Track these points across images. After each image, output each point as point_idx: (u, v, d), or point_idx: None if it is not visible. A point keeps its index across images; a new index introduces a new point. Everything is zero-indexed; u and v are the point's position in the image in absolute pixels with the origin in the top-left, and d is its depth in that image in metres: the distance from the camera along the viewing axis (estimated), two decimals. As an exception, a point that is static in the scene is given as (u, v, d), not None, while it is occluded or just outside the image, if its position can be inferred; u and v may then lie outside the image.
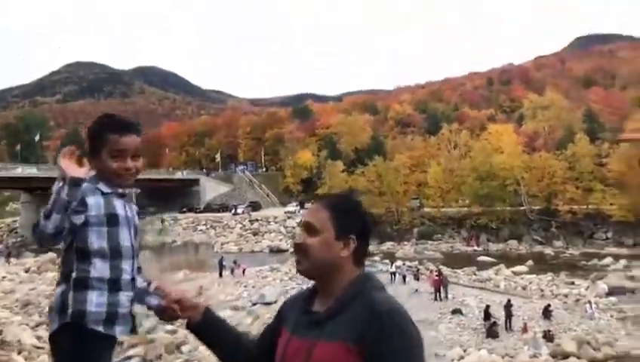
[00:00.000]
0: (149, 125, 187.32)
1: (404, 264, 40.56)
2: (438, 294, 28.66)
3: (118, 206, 2.18)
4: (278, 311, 1.90)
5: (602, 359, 19.00)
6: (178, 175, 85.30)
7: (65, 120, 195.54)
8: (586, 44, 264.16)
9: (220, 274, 36.53)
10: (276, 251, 52.07)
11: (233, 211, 67.39)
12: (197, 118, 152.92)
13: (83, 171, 2.06)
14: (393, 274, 33.67)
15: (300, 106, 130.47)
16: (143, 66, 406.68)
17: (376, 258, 44.52)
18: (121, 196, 2.24)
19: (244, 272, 37.14)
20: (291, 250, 52.46)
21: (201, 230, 62.68)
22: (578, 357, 18.61)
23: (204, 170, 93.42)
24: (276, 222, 61.78)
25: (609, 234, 48.48)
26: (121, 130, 2.14)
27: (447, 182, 57.32)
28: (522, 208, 53.03)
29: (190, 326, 2.00)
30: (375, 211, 56.09)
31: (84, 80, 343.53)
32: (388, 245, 52.68)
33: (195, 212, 73.15)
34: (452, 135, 74.07)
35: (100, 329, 2.05)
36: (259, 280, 35.32)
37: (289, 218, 62.39)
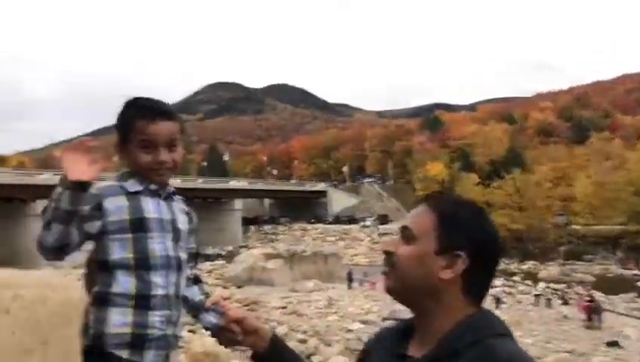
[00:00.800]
0: (282, 139, 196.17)
1: (547, 286, 37.59)
2: (589, 322, 25.97)
3: (150, 207, 1.81)
4: (363, 348, 1.47)
5: None
6: (307, 187, 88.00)
7: (205, 136, 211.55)
8: None
9: (349, 286, 36.61)
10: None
11: (362, 223, 67.59)
12: (324, 131, 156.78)
13: (90, 172, 1.63)
14: (537, 296, 31.36)
15: (429, 117, 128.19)
16: (274, 84, 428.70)
17: (517, 278, 41.85)
18: (157, 194, 1.86)
19: (374, 285, 36.83)
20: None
21: (330, 241, 63.63)
22: None
23: (332, 183, 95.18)
24: (405, 236, 60.89)
25: None
26: (152, 115, 1.77)
27: (598, 196, 52.22)
28: (691, 227, 46.71)
29: (255, 357, 1.65)
30: (515, 227, 52.91)
31: (222, 99, 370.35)
32: (529, 264, 49.33)
33: (324, 223, 74.60)
34: (603, 144, 67.72)
35: (124, 354, 1.70)
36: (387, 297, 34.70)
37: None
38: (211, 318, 1.78)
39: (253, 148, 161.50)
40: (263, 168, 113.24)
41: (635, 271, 44.46)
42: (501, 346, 1.12)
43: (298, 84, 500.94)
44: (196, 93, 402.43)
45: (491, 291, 29.51)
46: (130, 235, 1.74)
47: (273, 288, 36.50)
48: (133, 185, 1.79)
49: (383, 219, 71.31)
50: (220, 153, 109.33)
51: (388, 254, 1.25)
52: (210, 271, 42.40)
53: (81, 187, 1.60)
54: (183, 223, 1.87)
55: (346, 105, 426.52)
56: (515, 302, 32.55)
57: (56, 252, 1.68)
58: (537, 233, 52.57)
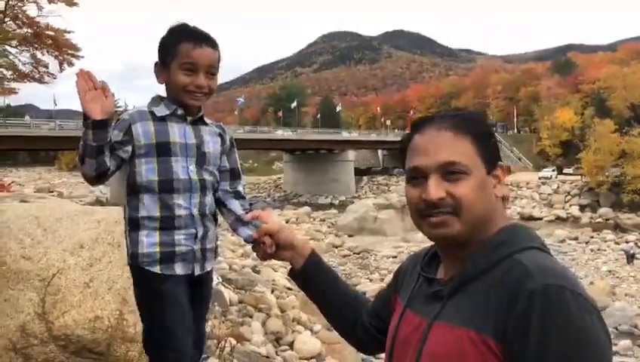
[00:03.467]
0: (397, 88, 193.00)
1: (634, 242, 34.01)
2: None
3: (176, 131, 1.92)
4: (394, 274, 1.47)
5: None
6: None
7: (320, 88, 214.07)
8: None
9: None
10: (528, 219, 48.92)
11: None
12: (443, 79, 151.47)
13: (106, 109, 1.74)
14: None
15: (560, 59, 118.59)
16: (391, 31, 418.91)
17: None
18: (184, 119, 1.96)
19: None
20: (546, 217, 48.75)
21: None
22: None
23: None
24: (529, 188, 57.88)
25: None
26: (196, 40, 1.88)
27: None
28: None
29: (292, 273, 1.64)
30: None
31: (337, 49, 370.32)
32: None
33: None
34: None
35: (156, 269, 1.89)
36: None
37: (543, 184, 57.78)
38: (248, 231, 1.88)
39: (367, 99, 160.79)
40: (376, 119, 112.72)
41: None
42: (529, 259, 1.07)
43: (416, 30, 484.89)
44: (310, 45, 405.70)
45: (623, 246, 27.87)
46: (154, 158, 1.89)
47: (385, 238, 37.04)
48: (161, 110, 1.92)
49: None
50: (333, 105, 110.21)
51: (441, 201, 1.15)
52: (323, 220, 43.83)
53: (101, 124, 1.75)
54: (211, 146, 2.01)
55: (468, 51, 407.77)
56: (651, 258, 30.16)
57: (97, 179, 1.88)
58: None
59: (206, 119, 2.05)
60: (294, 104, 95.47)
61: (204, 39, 1.90)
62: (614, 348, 17.45)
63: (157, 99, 1.95)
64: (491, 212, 1.16)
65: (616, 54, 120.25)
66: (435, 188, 1.14)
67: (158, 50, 1.93)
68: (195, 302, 2.01)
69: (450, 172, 1.14)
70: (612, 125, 56.37)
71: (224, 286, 10.83)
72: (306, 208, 48.90)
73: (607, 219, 46.73)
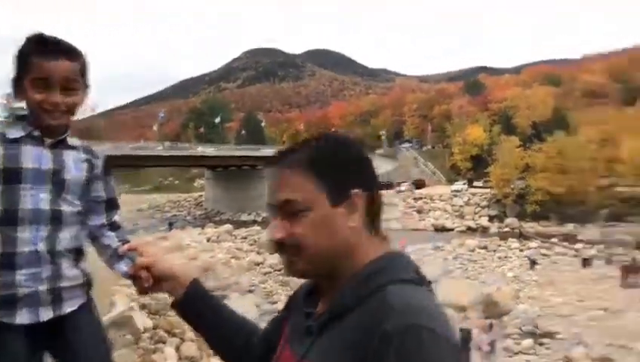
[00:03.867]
0: (320, 106, 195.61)
1: (583, 247, 36.81)
2: (626, 281, 25.47)
3: (30, 155, 1.66)
4: (288, 299, 1.36)
5: None
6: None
7: (244, 104, 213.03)
8: None
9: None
10: (441, 230, 50.90)
11: (397, 189, 67.29)
12: (363, 97, 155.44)
13: None
14: (586, 260, 30.92)
15: (471, 80, 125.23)
16: (314, 50, 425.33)
17: (555, 240, 41.13)
18: (41, 142, 1.70)
19: (403, 248, 36.92)
20: (458, 228, 50.91)
21: (366, 207, 63.64)
22: None
23: (369, 149, 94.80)
24: (442, 200, 60.23)
25: None
26: (49, 51, 1.63)
27: (647, 158, 50.16)
28: None
29: (172, 304, 1.50)
30: (555, 190, 51.65)
31: (261, 65, 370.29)
32: (570, 227, 48.31)
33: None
34: (654, 105, 64.82)
35: None
36: (420, 259, 34.78)
37: (455, 196, 60.38)
38: (123, 266, 1.68)
39: (291, 115, 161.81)
40: (300, 135, 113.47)
41: (680, 233, 42.92)
42: (394, 294, 0.99)
43: (338, 50, 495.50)
44: (235, 60, 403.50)
45: (527, 253, 29.25)
46: (0, 186, 1.64)
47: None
48: (14, 132, 1.67)
49: (419, 184, 70.83)
50: (258, 120, 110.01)
51: (281, 243, 1.10)
52: (245, 238, 43.30)
53: None
54: (73, 173, 1.74)
55: (386, 71, 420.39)
56: (551, 263, 32.18)
57: None
58: (578, 195, 51.07)
59: (72, 141, 1.78)
60: (218, 119, 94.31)
61: (58, 50, 1.65)
62: (518, 348, 18.47)
63: (13, 119, 1.72)
64: (344, 245, 1.08)
65: (521, 77, 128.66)
66: (276, 229, 1.10)
67: (13, 63, 1.69)
68: (58, 353, 1.76)
69: (290, 211, 1.08)
70: (517, 141, 59.90)
71: (139, 311, 10.40)
72: (228, 226, 48.00)
73: (513, 228, 49.51)
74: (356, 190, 1.08)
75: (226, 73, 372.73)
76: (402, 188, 66.96)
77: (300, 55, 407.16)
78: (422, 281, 1.06)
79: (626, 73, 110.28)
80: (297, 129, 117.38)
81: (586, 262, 30.48)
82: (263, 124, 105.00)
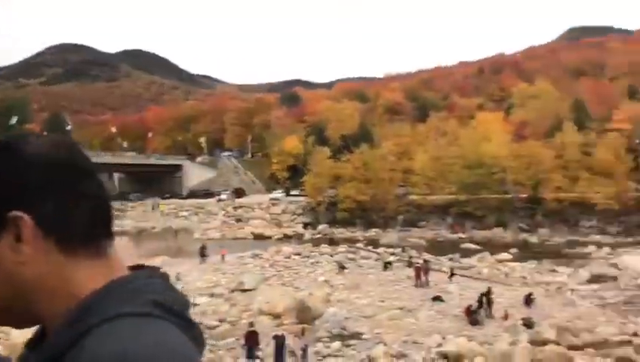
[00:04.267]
0: (135, 109, 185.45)
1: (384, 251, 40.45)
2: (419, 281, 28.47)
3: None
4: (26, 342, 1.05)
5: (581, 345, 18.82)
6: (160, 160, 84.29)
7: (48, 103, 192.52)
8: (578, 35, 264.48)
9: (202, 261, 36.17)
10: (260, 238, 51.77)
11: (217, 198, 66.85)
12: (183, 102, 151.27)
13: None
14: (387, 263, 33.64)
15: (288, 92, 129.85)
16: (131, 50, 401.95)
17: (360, 244, 44.40)
18: None
19: (223, 258, 36.85)
20: (276, 236, 52.33)
21: (183, 216, 62.08)
22: (557, 344, 18.39)
23: (189, 156, 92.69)
24: (261, 209, 61.36)
25: (593, 223, 48.55)
26: None
27: (434, 169, 57.00)
28: (508, 196, 52.92)
29: None
30: (361, 198, 55.95)
31: (70, 63, 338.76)
32: (372, 232, 52.56)
33: (179, 198, 72.50)
34: (440, 123, 73.92)
35: None
36: (239, 267, 34.99)
37: (274, 205, 62.00)
38: None
39: (104, 118, 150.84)
40: (113, 140, 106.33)
41: (461, 235, 49.61)
42: (101, 337, 0.75)
43: (157, 52, 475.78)
44: (39, 55, 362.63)
45: (336, 257, 30.59)
46: None
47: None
48: None
49: (239, 193, 71.24)
50: (63, 122, 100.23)
51: None
52: None
53: None
54: None
55: (208, 77, 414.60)
56: (357, 267, 34.63)
57: None
58: (381, 203, 56.12)
59: None
60: (14, 120, 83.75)
61: None
62: (328, 351, 19.54)
63: None
64: (21, 283, 0.82)
65: (332, 92, 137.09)
66: None
67: None
68: None
69: None
70: (328, 152, 63.60)
71: None
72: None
73: (324, 235, 52.39)
74: (16, 212, 0.81)
75: (27, 68, 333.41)
76: (222, 196, 66.73)
77: (115, 55, 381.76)
78: (162, 311, 0.80)
79: (418, 92, 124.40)
80: (110, 133, 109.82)
81: (387, 265, 33.44)
82: (69, 127, 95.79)
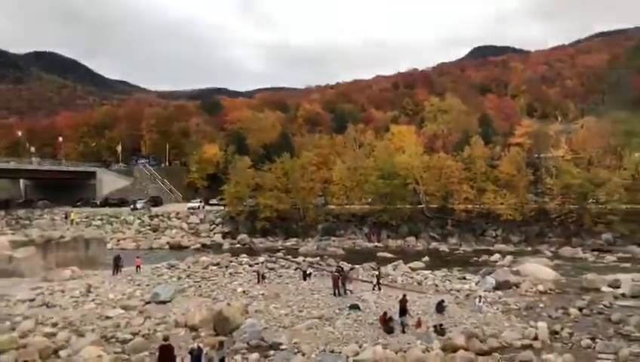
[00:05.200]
0: (46, 113, 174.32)
1: (304, 260, 40.47)
2: (337, 290, 28.56)
3: None
4: None
5: (488, 350, 19.58)
6: (64, 166, 79.33)
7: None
8: (483, 53, 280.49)
9: (114, 272, 34.30)
10: (177, 248, 50.03)
11: (132, 206, 64.01)
12: (98, 108, 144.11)
13: None
14: (307, 274, 33.47)
15: (209, 100, 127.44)
16: (41, 51, 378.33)
17: (280, 254, 44.07)
18: None
19: (137, 269, 35.21)
20: (193, 246, 50.79)
21: (96, 225, 58.81)
22: (466, 350, 19.01)
23: (103, 163, 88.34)
24: (178, 218, 59.42)
25: (498, 232, 51.33)
26: None
27: (352, 180, 57.96)
28: (421, 206, 54.79)
29: None
30: (281, 208, 55.69)
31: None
32: (292, 241, 52.44)
33: (92, 206, 68.72)
34: (357, 134, 75.44)
35: None
36: (154, 278, 33.52)
37: (192, 214, 60.26)
38: None
39: (10, 122, 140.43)
40: (20, 145, 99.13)
41: (377, 244, 50.67)
42: None
43: (70, 55, 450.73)
44: None
45: (255, 267, 29.85)
46: None
47: (22, 279, 32.34)
48: None
49: (156, 202, 68.66)
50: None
51: None
52: None
53: None
54: None
55: (124, 82, 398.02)
56: (277, 276, 34.22)
57: None
58: (300, 213, 56.21)
59: None
60: None
61: None
62: (243, 365, 18.93)
63: None
64: None
65: (253, 101, 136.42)
66: None
67: None
68: None
69: None
70: (249, 161, 62.90)
71: None
72: None
73: (244, 244, 51.62)
74: None
75: None
76: (138, 205, 64.00)
77: (24, 56, 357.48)
78: None
79: (336, 104, 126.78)
80: (16, 137, 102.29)
81: (306, 275, 33.33)
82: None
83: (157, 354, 17.66)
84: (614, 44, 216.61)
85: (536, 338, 20.91)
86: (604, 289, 29.48)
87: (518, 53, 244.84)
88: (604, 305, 25.80)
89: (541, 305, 26.33)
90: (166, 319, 24.32)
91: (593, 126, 63.54)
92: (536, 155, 58.92)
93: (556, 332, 21.70)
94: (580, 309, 25.16)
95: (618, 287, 29.43)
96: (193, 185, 77.40)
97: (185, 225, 57.63)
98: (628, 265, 38.39)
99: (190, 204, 63.70)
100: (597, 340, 20.70)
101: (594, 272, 33.49)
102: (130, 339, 21.31)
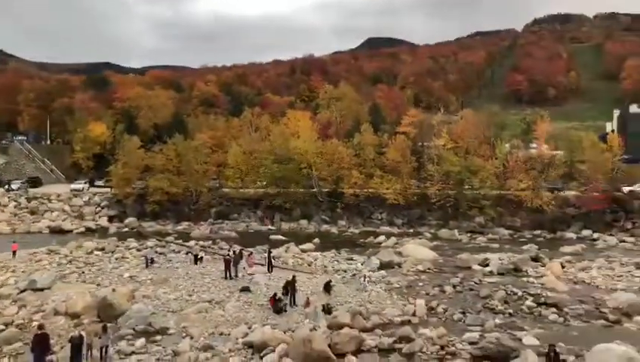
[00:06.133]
0: None
1: (195, 244, 39.72)
2: (228, 273, 28.41)
3: None
4: None
5: (371, 327, 20.60)
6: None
7: None
8: (376, 44, 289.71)
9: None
10: (58, 232, 46.64)
11: (7, 187, 58.51)
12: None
13: None
14: (198, 257, 32.85)
15: (95, 75, 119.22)
16: None
17: (171, 238, 42.80)
18: None
19: (14, 254, 32.50)
20: (77, 230, 47.66)
21: (-39, 207, 53.00)
22: (351, 327, 19.85)
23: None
24: (60, 200, 55.31)
25: (384, 215, 53.74)
26: None
27: (247, 163, 57.46)
28: (313, 190, 55.78)
29: None
30: (173, 190, 53.91)
31: None
32: (184, 225, 51.08)
33: (-42, 186, 61.83)
34: (254, 118, 74.77)
35: None
36: (31, 264, 31.13)
37: (75, 196, 56.38)
38: None
39: None
40: None
41: (270, 227, 50.94)
42: None
43: None
44: None
45: (144, 252, 28.99)
46: None
47: None
48: None
49: (34, 182, 63.34)
50: None
51: None
52: None
53: None
54: None
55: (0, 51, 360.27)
56: (167, 261, 33.25)
57: None
58: (193, 196, 54.78)
59: None
60: None
61: None
62: (132, 348, 18.33)
63: None
64: None
65: (145, 78, 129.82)
66: None
67: None
68: None
69: None
70: (138, 142, 59.90)
71: None
72: None
73: (132, 228, 49.28)
74: None
75: None
76: (14, 186, 58.59)
77: None
78: None
79: (233, 87, 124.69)
80: None
81: (197, 259, 32.76)
82: None
83: (30, 344, 16.51)
84: (490, 43, 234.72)
85: (414, 314, 22.37)
86: (475, 267, 32.13)
87: (408, 46, 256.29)
88: (475, 282, 28.17)
89: (420, 284, 28.16)
90: (44, 307, 22.80)
91: (471, 118, 68.13)
92: (420, 144, 62.10)
93: (432, 309, 23.37)
94: (454, 286, 27.26)
95: (487, 266, 32.23)
96: (77, 166, 72.32)
97: (67, 208, 53.77)
98: (496, 245, 42.07)
99: (74, 186, 59.46)
100: (467, 314, 22.60)
101: (467, 252, 36.33)
102: (2, 330, 19.75)
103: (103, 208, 54.65)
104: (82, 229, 48.11)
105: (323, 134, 63.16)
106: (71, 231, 47.32)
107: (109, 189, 57.76)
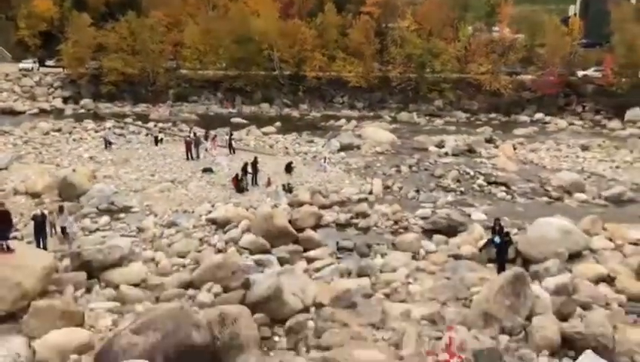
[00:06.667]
0: None
1: (155, 126, 39.00)
2: (189, 154, 28.36)
3: None
4: None
5: (329, 204, 21.36)
6: None
7: None
8: None
9: None
10: (9, 113, 44.72)
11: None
12: None
13: None
14: (157, 139, 32.48)
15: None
16: None
17: (129, 119, 41.77)
18: None
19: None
20: (30, 111, 45.67)
21: None
22: (310, 204, 20.52)
23: None
24: (8, 80, 52.44)
25: (345, 99, 53.40)
26: None
27: (205, 43, 54.75)
28: (275, 73, 54.38)
29: None
30: (128, 71, 51.61)
31: None
32: (142, 107, 49.73)
33: None
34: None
35: None
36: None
37: (25, 76, 53.39)
38: None
39: None
40: None
41: (231, 110, 50.16)
42: None
43: None
44: None
45: (102, 133, 28.47)
46: None
47: None
48: None
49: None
50: None
51: None
52: None
53: None
54: None
55: None
56: (126, 143, 32.82)
57: None
58: (150, 77, 52.60)
59: None
60: None
61: None
62: (95, 226, 18.57)
63: None
64: None
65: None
66: None
67: None
68: None
69: None
70: (89, 19, 55.83)
71: None
72: None
73: (88, 110, 47.61)
74: None
75: None
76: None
77: None
78: None
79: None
80: None
81: (157, 140, 32.36)
82: None
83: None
84: None
85: (371, 193, 23.18)
86: (432, 149, 32.97)
87: None
88: (430, 163, 29.07)
89: (378, 165, 28.89)
90: (3, 187, 22.54)
91: (436, -1, 65.91)
92: (384, 25, 60.25)
93: (388, 187, 24.22)
94: (410, 167, 28.09)
95: (442, 147, 33.10)
96: (24, 44, 67.58)
97: (17, 88, 51.10)
98: (453, 128, 42.96)
99: (22, 65, 55.95)
100: (421, 192, 23.58)
101: (425, 135, 37.06)
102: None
103: (56, 89, 52.26)
104: (36, 110, 46.18)
105: (284, 13, 60.12)
106: (23, 112, 45.44)
107: (61, 69, 54.80)
